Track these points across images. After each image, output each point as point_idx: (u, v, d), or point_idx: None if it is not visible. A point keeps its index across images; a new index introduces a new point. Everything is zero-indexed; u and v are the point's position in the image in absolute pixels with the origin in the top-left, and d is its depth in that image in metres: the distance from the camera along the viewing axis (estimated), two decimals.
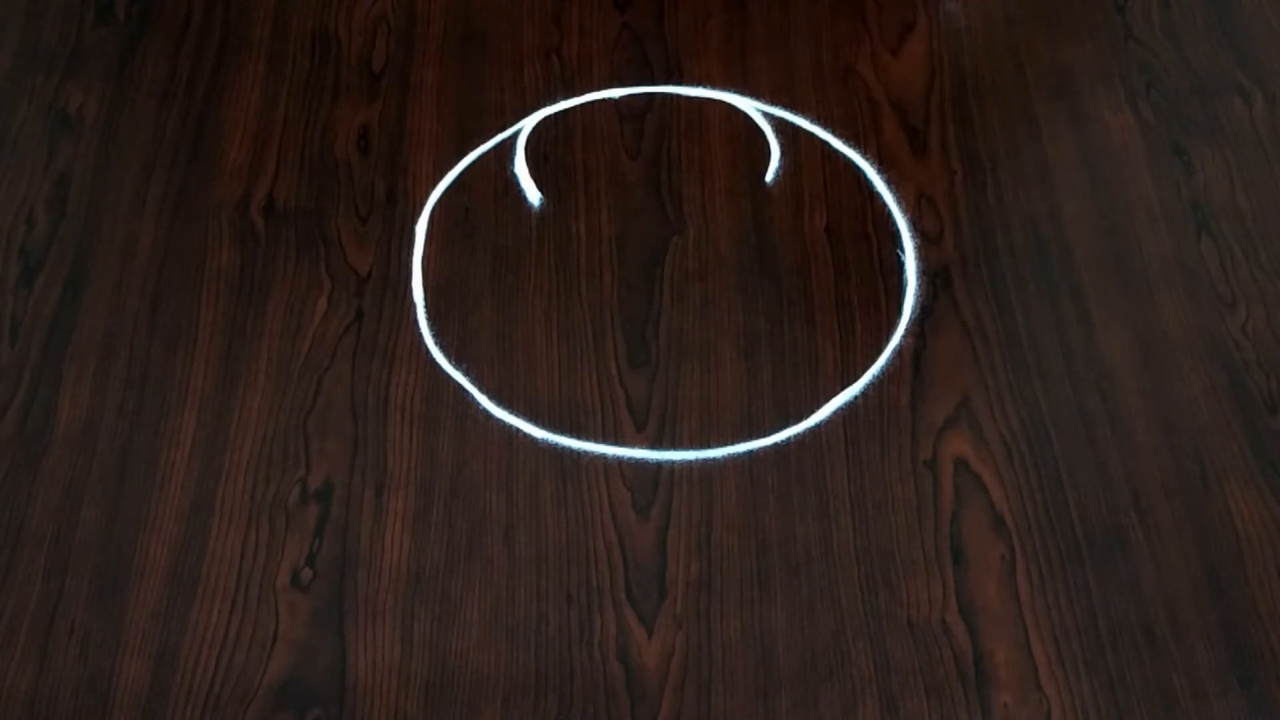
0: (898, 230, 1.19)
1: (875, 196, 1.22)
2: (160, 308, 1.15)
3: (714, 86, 1.28)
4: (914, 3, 1.35)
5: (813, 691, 0.98)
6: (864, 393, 1.11)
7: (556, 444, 1.08)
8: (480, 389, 1.11)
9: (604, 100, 1.25)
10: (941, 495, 1.05)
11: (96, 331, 1.14)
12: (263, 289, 1.16)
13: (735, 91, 1.28)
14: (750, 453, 1.08)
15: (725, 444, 1.08)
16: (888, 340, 1.13)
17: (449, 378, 1.11)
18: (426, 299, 1.15)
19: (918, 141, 1.25)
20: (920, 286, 1.16)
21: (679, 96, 1.28)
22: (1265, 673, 0.98)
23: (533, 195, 1.22)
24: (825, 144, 1.25)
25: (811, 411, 1.09)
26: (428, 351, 1.13)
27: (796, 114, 1.27)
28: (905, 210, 1.21)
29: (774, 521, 1.05)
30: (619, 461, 1.07)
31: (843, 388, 1.11)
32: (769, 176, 1.23)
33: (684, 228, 1.20)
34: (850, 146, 1.25)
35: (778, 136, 1.25)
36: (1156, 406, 1.10)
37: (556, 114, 1.26)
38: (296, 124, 1.26)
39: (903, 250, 1.18)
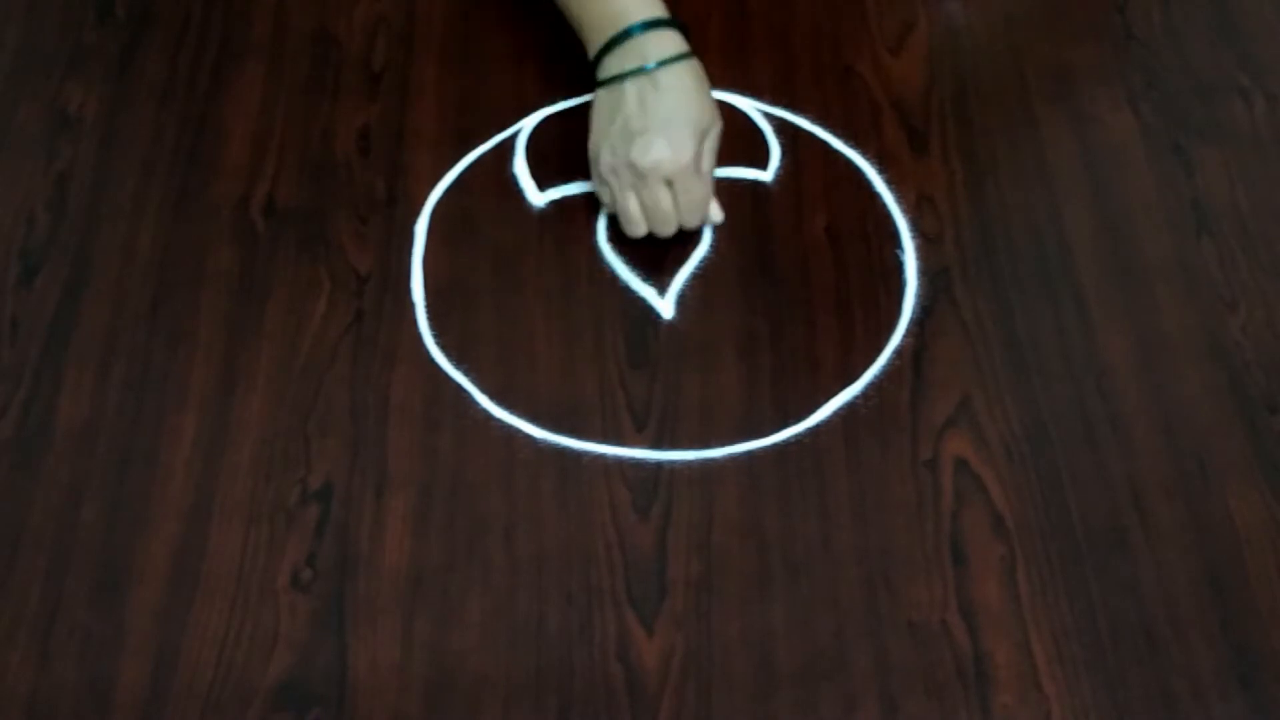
0: (898, 231, 1.19)
1: (875, 197, 1.22)
2: (160, 308, 1.15)
3: (714, 86, 1.28)
4: (914, 3, 1.35)
5: (813, 691, 0.98)
6: (864, 393, 1.11)
7: (556, 444, 1.08)
8: (480, 389, 1.11)
9: None
10: (941, 495, 1.06)
11: (96, 331, 1.14)
12: (263, 289, 1.16)
13: (735, 91, 1.28)
14: (750, 453, 1.08)
15: (725, 444, 1.08)
16: (888, 340, 1.13)
17: (449, 378, 1.11)
18: (426, 299, 1.15)
19: (918, 141, 1.25)
20: (920, 287, 1.16)
21: None
22: (1266, 673, 0.98)
23: (533, 195, 1.21)
24: (825, 144, 1.25)
25: (811, 412, 1.09)
26: (428, 351, 1.13)
27: (796, 114, 1.27)
28: (905, 210, 1.21)
29: (774, 521, 1.05)
30: (619, 461, 1.07)
31: (843, 388, 1.11)
32: (769, 176, 1.23)
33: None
34: (850, 146, 1.25)
35: (778, 136, 1.25)
36: (1157, 406, 1.10)
37: (556, 114, 1.26)
38: (296, 124, 1.26)
39: (903, 250, 1.18)
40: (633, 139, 1.13)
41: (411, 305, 1.15)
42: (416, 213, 1.20)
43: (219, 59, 1.30)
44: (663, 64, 1.13)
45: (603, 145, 1.15)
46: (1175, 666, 0.98)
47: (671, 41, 1.15)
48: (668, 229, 1.15)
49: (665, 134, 1.12)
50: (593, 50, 1.17)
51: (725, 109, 1.27)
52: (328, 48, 1.31)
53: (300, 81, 1.29)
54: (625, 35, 1.15)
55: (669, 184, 1.13)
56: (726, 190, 1.22)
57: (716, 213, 1.17)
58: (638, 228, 1.15)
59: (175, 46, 1.31)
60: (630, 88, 1.14)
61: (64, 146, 1.24)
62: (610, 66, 1.16)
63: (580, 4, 1.18)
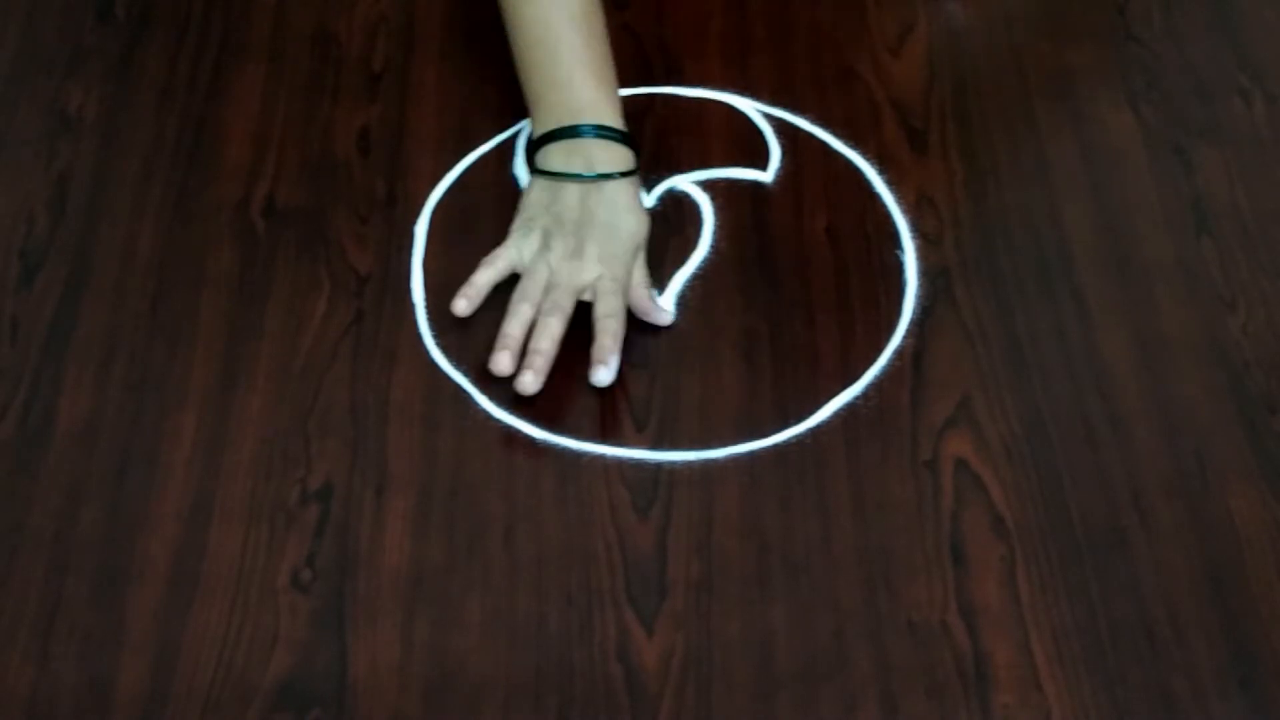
0: (898, 231, 1.19)
1: (875, 197, 1.22)
2: (160, 308, 1.15)
3: (714, 87, 1.28)
4: (914, 3, 1.35)
5: (813, 691, 0.98)
6: (864, 393, 1.11)
7: (556, 444, 1.08)
8: (480, 389, 1.11)
9: None
10: (942, 495, 1.05)
11: (96, 331, 1.14)
12: (263, 289, 1.16)
13: (735, 92, 1.28)
14: (750, 453, 1.08)
15: (725, 444, 1.08)
16: (888, 340, 1.13)
17: (449, 378, 1.11)
18: (426, 299, 1.15)
19: (918, 141, 1.25)
20: (920, 287, 1.16)
21: (679, 96, 1.28)
22: (1265, 673, 0.98)
23: None
24: (825, 144, 1.25)
25: (811, 412, 1.09)
26: (428, 351, 1.13)
27: (796, 114, 1.27)
28: (905, 210, 1.21)
29: (774, 522, 1.05)
30: (619, 461, 1.07)
31: (843, 388, 1.11)
32: (769, 177, 1.23)
33: (683, 228, 1.20)
34: (850, 147, 1.25)
35: (778, 137, 1.25)
36: (1156, 407, 1.10)
37: None
38: (296, 124, 1.26)
39: (903, 251, 1.18)
40: (573, 254, 1.12)
41: (411, 305, 1.15)
42: (416, 213, 1.20)
43: (219, 59, 1.30)
44: (604, 177, 1.13)
45: (538, 220, 1.14)
46: (1175, 666, 0.98)
47: (620, 157, 1.15)
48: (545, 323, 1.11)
49: (600, 251, 1.12)
50: (538, 129, 1.16)
51: (725, 109, 1.27)
52: (328, 48, 1.31)
53: (300, 81, 1.29)
54: (574, 132, 1.14)
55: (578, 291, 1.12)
56: (726, 190, 1.22)
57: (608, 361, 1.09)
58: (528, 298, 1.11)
59: (175, 46, 1.31)
60: (572, 187, 1.13)
61: (64, 146, 1.24)
62: (553, 159, 1.15)
63: (539, 80, 1.17)
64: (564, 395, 1.11)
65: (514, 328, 1.10)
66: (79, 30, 1.33)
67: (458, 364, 1.12)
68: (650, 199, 1.21)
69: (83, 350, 1.13)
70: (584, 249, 1.12)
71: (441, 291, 1.16)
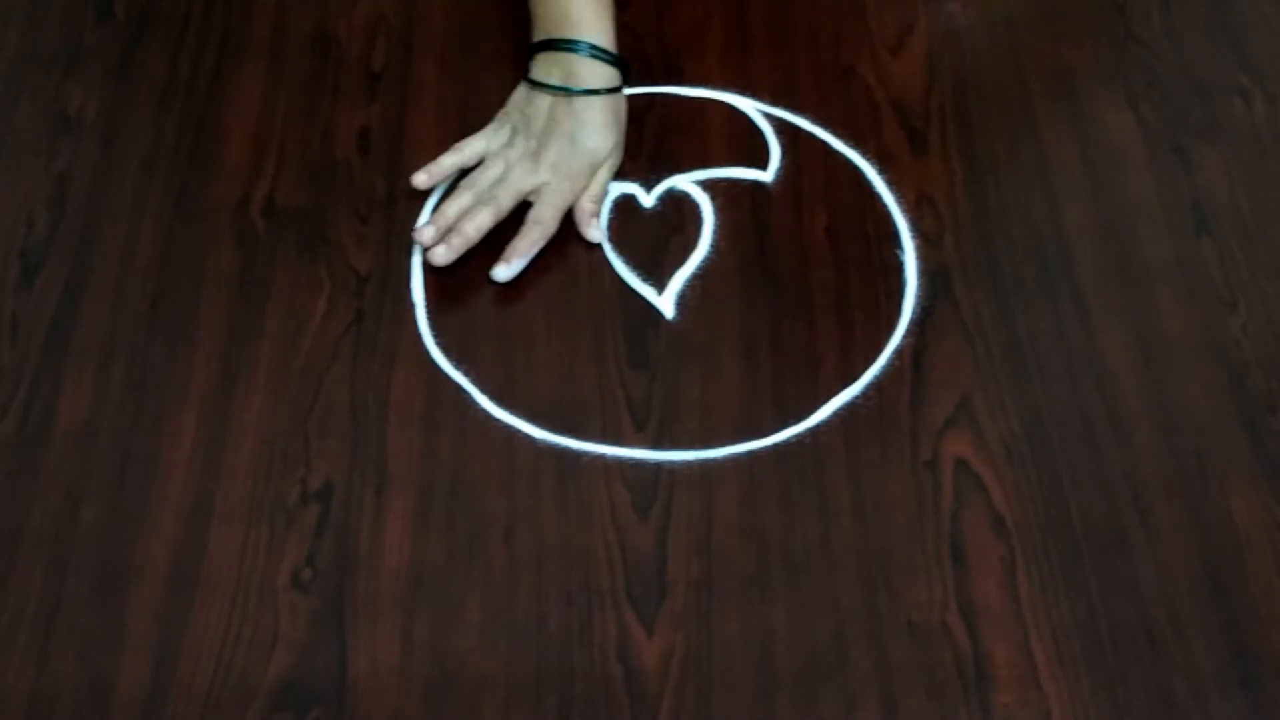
0: (898, 230, 1.19)
1: (875, 196, 1.22)
2: (160, 308, 1.15)
3: (714, 86, 1.29)
4: (914, 3, 1.35)
5: (813, 691, 0.98)
6: (864, 393, 1.11)
7: (556, 444, 1.08)
8: (480, 389, 1.11)
9: None
10: (941, 495, 1.05)
11: (96, 331, 1.14)
12: (263, 289, 1.16)
13: (735, 91, 1.28)
14: (750, 453, 1.08)
15: (725, 444, 1.08)
16: (888, 340, 1.13)
17: (449, 378, 1.11)
18: (426, 299, 1.15)
19: (918, 141, 1.25)
20: (920, 287, 1.16)
21: (679, 96, 1.28)
22: (1265, 673, 0.98)
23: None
24: (825, 144, 1.25)
25: (811, 412, 1.09)
26: (428, 351, 1.13)
27: (796, 114, 1.27)
28: (905, 210, 1.21)
29: (774, 522, 1.05)
30: (619, 461, 1.07)
31: (843, 388, 1.11)
32: (769, 177, 1.23)
33: (683, 228, 1.20)
34: (850, 146, 1.25)
35: (778, 137, 1.25)
36: (1156, 407, 1.10)
37: None
38: (296, 124, 1.26)
39: (902, 250, 1.18)
40: (530, 156, 1.17)
41: (411, 305, 1.15)
42: (416, 213, 1.20)
43: (219, 59, 1.30)
44: (584, 92, 1.18)
45: (512, 116, 1.20)
46: (1175, 666, 0.98)
47: (601, 75, 1.18)
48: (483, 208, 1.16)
49: (556, 168, 1.17)
50: (533, 37, 1.21)
51: (725, 109, 1.27)
52: (328, 48, 1.31)
53: (300, 81, 1.29)
54: (559, 45, 1.18)
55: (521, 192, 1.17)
56: (726, 190, 1.22)
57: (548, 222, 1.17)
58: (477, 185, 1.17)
59: (175, 46, 1.31)
60: (546, 96, 1.18)
61: (64, 146, 1.25)
62: (536, 68, 1.20)
63: None
64: (564, 395, 1.11)
65: (451, 209, 1.16)
66: (79, 30, 1.33)
67: (458, 364, 1.12)
68: (650, 199, 1.21)
69: (83, 350, 1.13)
70: (541, 154, 1.17)
71: (441, 291, 1.16)
